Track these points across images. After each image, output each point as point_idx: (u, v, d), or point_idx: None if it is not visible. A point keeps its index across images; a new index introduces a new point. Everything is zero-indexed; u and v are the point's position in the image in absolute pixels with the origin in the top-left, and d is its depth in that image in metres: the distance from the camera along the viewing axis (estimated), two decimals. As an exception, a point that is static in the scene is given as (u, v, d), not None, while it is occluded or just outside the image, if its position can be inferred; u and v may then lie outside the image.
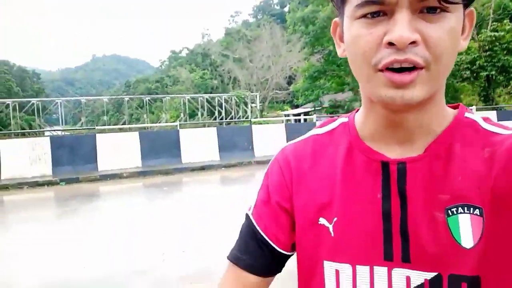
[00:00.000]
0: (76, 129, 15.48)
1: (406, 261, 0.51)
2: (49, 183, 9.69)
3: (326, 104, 25.49)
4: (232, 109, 27.93)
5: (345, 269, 0.54)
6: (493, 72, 17.74)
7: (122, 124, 31.96)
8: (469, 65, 17.91)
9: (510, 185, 0.47)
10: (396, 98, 0.48)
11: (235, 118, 27.23)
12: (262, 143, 11.81)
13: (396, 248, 0.51)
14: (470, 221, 0.49)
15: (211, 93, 32.85)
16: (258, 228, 0.62)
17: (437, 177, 0.51)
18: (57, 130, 17.63)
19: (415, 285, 0.51)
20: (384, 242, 0.52)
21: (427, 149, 0.53)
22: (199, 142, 11.48)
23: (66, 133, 15.95)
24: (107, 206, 7.80)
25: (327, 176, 0.58)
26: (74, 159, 10.52)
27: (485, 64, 17.77)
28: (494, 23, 18.50)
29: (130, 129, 13.27)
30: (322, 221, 0.57)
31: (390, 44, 0.46)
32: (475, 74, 18.32)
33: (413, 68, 0.47)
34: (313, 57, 24.76)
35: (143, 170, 10.61)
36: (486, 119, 0.55)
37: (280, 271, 0.64)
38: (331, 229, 0.56)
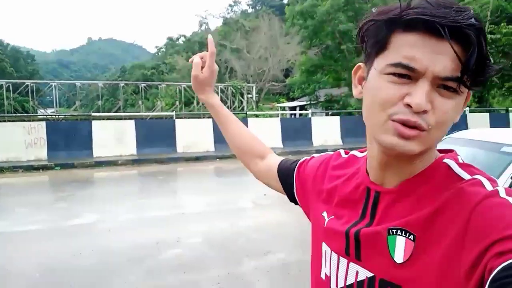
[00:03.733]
0: (73, 115, 15.39)
1: (358, 259, 0.67)
2: (44, 167, 9.75)
3: (322, 99, 25.60)
4: (228, 99, 27.91)
5: (329, 252, 0.74)
6: (489, 74, 17.87)
7: (116, 110, 31.73)
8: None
9: (446, 225, 0.58)
10: (396, 147, 0.59)
11: (231, 109, 27.22)
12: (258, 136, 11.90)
13: (352, 248, 0.68)
14: (404, 243, 0.60)
15: (207, 82, 32.60)
16: (294, 177, 0.91)
17: (397, 207, 0.65)
18: (53, 114, 17.52)
19: (360, 279, 0.66)
20: (346, 243, 0.69)
21: (399, 185, 0.65)
22: (194, 133, 11.57)
23: (61, 117, 15.88)
24: (102, 193, 7.90)
25: (337, 185, 0.78)
26: (69, 144, 10.58)
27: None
28: (491, 25, 18.60)
29: (125, 117, 13.28)
30: (324, 214, 0.77)
31: (409, 105, 0.57)
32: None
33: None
34: (310, 51, 24.75)
35: (138, 158, 10.71)
36: (462, 165, 0.64)
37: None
38: (325, 222, 0.76)
